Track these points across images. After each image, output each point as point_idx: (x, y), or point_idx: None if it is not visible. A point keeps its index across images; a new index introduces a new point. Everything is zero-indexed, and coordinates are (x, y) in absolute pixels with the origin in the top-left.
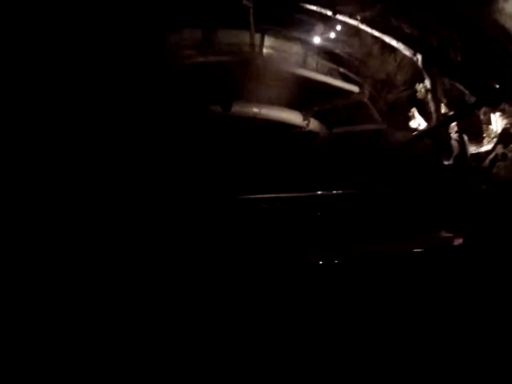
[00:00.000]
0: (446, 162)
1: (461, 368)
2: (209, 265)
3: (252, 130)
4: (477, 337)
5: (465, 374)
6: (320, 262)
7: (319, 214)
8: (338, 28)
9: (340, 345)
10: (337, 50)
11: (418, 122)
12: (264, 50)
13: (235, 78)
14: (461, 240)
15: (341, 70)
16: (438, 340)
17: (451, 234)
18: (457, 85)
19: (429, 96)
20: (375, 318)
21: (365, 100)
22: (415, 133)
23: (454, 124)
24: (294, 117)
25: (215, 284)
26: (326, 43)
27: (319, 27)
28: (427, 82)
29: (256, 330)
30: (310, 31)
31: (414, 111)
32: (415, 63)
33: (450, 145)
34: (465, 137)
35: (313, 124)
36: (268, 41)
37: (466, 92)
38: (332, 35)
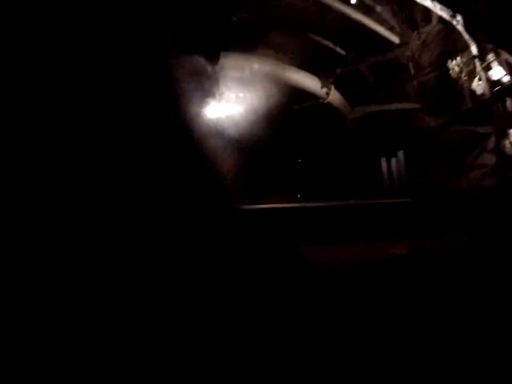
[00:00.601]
0: None
1: (462, 369)
2: (210, 271)
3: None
4: (476, 341)
5: (466, 374)
6: (322, 266)
7: (319, 219)
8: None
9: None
10: None
11: (500, 72)
12: None
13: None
14: (457, 246)
15: (378, 8)
16: (438, 343)
17: (448, 239)
18: (503, 53)
19: (477, 64)
20: (378, 320)
21: (408, 55)
22: (500, 86)
23: None
24: (309, 82)
25: (216, 290)
26: None
27: None
28: (473, 49)
29: (258, 335)
30: None
31: (492, 56)
32: (443, 37)
33: None
34: None
35: (334, 96)
36: None
37: None
38: None
